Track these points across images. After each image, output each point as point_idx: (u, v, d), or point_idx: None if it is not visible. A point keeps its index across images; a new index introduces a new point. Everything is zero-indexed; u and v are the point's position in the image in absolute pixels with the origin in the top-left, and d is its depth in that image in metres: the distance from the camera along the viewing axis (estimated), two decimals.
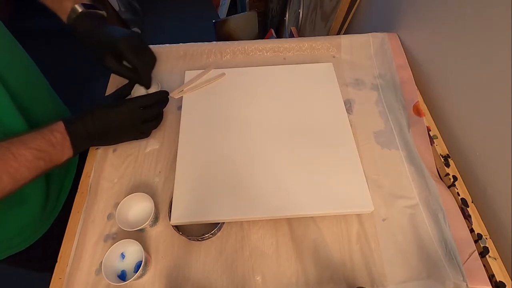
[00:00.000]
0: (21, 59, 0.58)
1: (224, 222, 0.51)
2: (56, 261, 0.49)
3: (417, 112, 0.62)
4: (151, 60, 0.56)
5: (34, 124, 0.53)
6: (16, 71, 0.54)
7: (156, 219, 0.51)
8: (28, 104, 0.54)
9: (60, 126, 0.48)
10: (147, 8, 2.31)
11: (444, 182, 0.56)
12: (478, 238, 0.50)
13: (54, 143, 0.46)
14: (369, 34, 0.74)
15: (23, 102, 0.53)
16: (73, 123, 0.49)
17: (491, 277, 0.47)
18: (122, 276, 0.46)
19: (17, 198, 0.52)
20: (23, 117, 0.52)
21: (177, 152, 0.56)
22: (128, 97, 0.57)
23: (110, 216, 0.53)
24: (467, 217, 0.52)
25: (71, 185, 0.67)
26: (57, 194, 0.64)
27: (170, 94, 0.62)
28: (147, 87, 0.57)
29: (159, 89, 0.62)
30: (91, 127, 0.50)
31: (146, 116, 0.55)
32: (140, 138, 0.59)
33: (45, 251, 0.61)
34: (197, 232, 0.49)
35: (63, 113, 0.69)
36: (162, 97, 0.57)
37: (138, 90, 0.59)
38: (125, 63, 0.54)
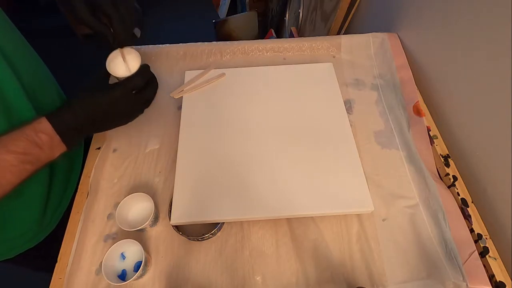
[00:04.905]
0: (29, 52, 0.58)
1: (224, 222, 0.51)
2: (56, 261, 0.49)
3: (417, 112, 0.62)
4: (130, 11, 0.47)
5: (41, 110, 0.51)
6: (25, 61, 0.53)
7: (156, 219, 0.51)
8: (36, 91, 0.54)
9: (44, 125, 0.44)
10: (147, 8, 2.31)
11: (444, 182, 0.56)
12: (478, 238, 0.50)
13: (40, 144, 0.43)
14: (369, 34, 0.74)
15: (32, 88, 0.52)
16: (59, 117, 0.45)
17: (491, 277, 0.47)
18: (122, 276, 0.46)
19: (18, 200, 0.52)
20: (31, 103, 0.50)
21: (177, 152, 0.56)
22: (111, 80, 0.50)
23: (110, 216, 0.53)
24: (467, 217, 0.52)
25: (76, 184, 0.66)
26: (61, 194, 0.63)
27: (170, 94, 0.62)
28: (119, 45, 0.48)
29: (139, 62, 0.51)
30: (81, 118, 0.46)
31: (141, 100, 0.50)
32: (138, 115, 0.53)
33: (49, 251, 0.61)
34: (197, 232, 0.49)
35: None
36: (148, 73, 0.51)
37: (117, 66, 0.50)
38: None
